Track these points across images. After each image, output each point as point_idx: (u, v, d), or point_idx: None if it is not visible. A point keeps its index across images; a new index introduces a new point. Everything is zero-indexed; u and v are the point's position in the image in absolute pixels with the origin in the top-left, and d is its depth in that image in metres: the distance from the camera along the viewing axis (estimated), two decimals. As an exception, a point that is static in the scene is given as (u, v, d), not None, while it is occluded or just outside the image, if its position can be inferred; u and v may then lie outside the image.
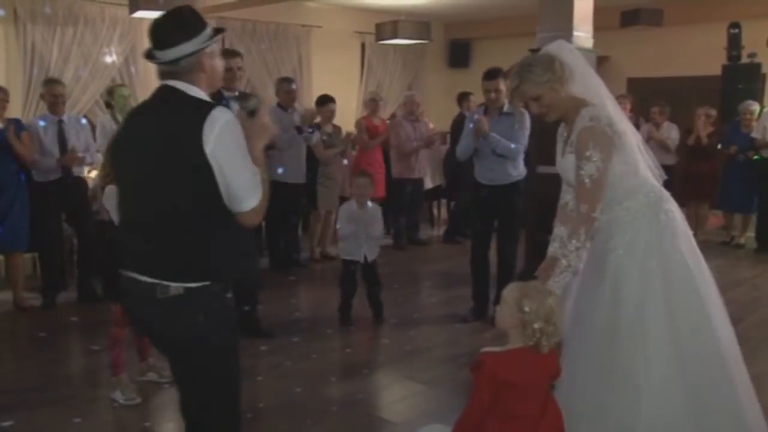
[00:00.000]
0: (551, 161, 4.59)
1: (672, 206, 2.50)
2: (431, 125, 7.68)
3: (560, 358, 2.19)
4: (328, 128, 6.51)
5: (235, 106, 4.16)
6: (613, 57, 8.60)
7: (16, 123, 5.04)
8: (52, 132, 5.11)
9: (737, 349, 2.49)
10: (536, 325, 1.98)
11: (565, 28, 4.85)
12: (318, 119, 6.53)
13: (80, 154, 5.15)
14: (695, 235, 8.86)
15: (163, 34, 2.01)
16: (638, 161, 2.49)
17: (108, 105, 5.93)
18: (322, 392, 3.67)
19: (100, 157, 5.27)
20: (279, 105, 6.10)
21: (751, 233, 7.52)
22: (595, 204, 2.35)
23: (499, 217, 4.81)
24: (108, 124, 5.57)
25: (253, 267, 2.16)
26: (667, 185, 2.63)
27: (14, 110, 6.52)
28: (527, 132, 4.68)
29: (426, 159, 7.51)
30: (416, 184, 7.41)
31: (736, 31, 7.81)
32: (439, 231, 8.21)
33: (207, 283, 1.97)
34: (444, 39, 10.98)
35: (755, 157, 7.25)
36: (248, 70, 8.75)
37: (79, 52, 7.30)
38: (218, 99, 4.10)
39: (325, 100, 6.51)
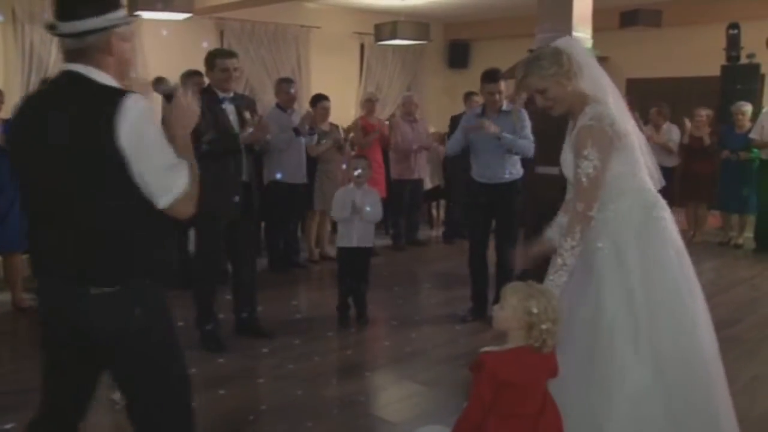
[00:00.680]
0: (550, 162, 4.59)
1: (664, 213, 2.47)
2: (431, 129, 7.68)
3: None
4: (325, 126, 6.52)
5: (231, 107, 4.17)
6: (612, 58, 8.61)
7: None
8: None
9: (718, 356, 2.47)
10: (544, 326, 1.99)
11: (564, 28, 4.85)
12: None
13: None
14: (693, 235, 8.86)
15: (69, 4, 1.84)
16: (638, 164, 2.47)
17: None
18: (323, 393, 3.67)
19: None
20: (278, 106, 6.10)
21: (749, 234, 7.53)
22: (591, 203, 2.35)
23: (497, 217, 4.81)
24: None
25: (171, 262, 2.07)
26: (665, 187, 2.63)
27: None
28: (529, 128, 4.69)
29: (425, 160, 7.52)
30: (415, 185, 7.41)
31: (735, 31, 7.83)
32: (438, 232, 8.22)
33: (138, 278, 1.91)
34: (443, 40, 10.99)
35: (752, 154, 7.26)
36: (247, 71, 8.78)
37: (78, 53, 7.30)
38: (215, 100, 4.11)
39: (318, 99, 6.52)
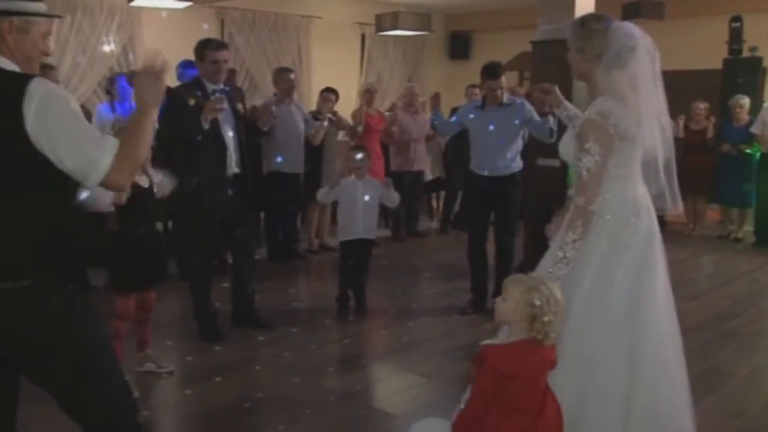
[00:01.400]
0: (551, 154, 4.58)
1: (638, 227, 2.40)
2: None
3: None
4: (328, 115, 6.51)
5: (222, 98, 4.11)
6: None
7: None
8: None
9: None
10: (546, 319, 1.98)
11: (566, 20, 4.82)
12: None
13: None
14: (693, 229, 8.83)
15: None
16: (630, 177, 2.43)
17: (108, 93, 5.90)
18: (321, 383, 3.67)
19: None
20: (276, 95, 6.07)
21: (749, 227, 7.52)
22: (592, 197, 2.34)
23: (496, 209, 4.80)
24: (104, 112, 5.54)
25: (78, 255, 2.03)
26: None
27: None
28: (535, 114, 4.60)
29: (425, 151, 7.50)
30: (416, 176, 7.39)
31: (738, 24, 7.80)
32: (438, 223, 8.21)
33: (52, 270, 1.84)
34: (444, 30, 10.95)
35: (748, 150, 7.24)
36: (248, 61, 8.75)
37: (77, 41, 7.28)
38: (204, 92, 4.08)
39: (324, 91, 6.53)
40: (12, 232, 1.80)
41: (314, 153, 6.31)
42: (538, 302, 1.98)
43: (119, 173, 1.79)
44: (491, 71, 4.61)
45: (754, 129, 7.14)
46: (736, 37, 7.80)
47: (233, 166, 4.16)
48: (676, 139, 7.62)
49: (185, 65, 5.76)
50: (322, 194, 4.86)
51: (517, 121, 4.65)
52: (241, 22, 8.63)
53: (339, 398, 3.48)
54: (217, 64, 4.06)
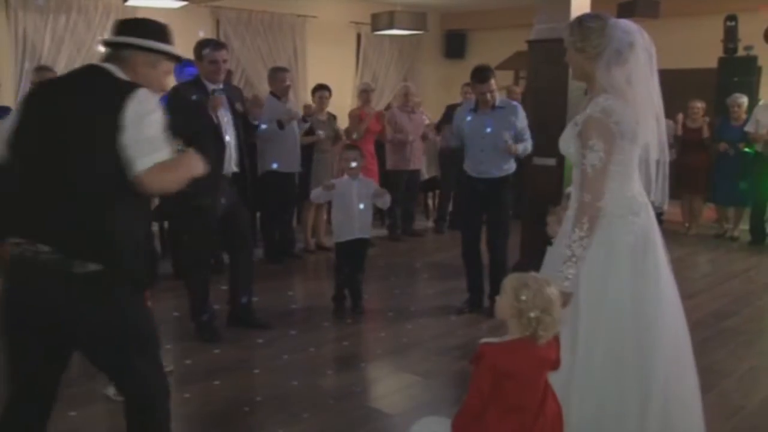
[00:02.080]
0: (547, 153, 4.59)
1: (634, 229, 2.40)
2: (426, 120, 7.63)
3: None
4: (322, 116, 6.49)
5: (222, 96, 4.11)
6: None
7: (6, 111, 5.00)
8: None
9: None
10: (532, 314, 1.97)
11: (562, 19, 4.83)
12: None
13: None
14: (689, 228, 8.85)
15: (116, 24, 2.31)
16: (628, 175, 2.43)
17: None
18: (319, 384, 3.66)
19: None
20: (272, 94, 6.07)
21: (745, 226, 7.54)
22: (598, 194, 2.34)
23: (488, 211, 4.81)
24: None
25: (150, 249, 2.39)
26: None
27: (6, 99, 6.47)
28: (526, 122, 4.67)
29: (421, 151, 7.49)
30: (412, 175, 7.38)
31: (733, 23, 7.80)
32: (434, 222, 8.20)
33: (120, 259, 2.03)
34: (440, 30, 10.94)
35: (745, 149, 7.26)
36: (243, 60, 8.72)
37: (72, 41, 7.24)
38: (204, 91, 4.08)
39: (317, 88, 6.54)
40: (98, 217, 2.00)
41: (304, 151, 6.29)
42: (524, 297, 1.98)
43: (151, 180, 2.02)
44: (478, 76, 4.60)
45: (748, 127, 7.16)
46: (731, 35, 7.81)
47: (232, 165, 4.16)
48: (675, 137, 7.70)
49: (181, 64, 5.74)
50: (316, 194, 4.86)
51: (510, 127, 4.64)
52: (237, 21, 8.61)
53: (337, 399, 3.47)
54: (216, 64, 4.08)
